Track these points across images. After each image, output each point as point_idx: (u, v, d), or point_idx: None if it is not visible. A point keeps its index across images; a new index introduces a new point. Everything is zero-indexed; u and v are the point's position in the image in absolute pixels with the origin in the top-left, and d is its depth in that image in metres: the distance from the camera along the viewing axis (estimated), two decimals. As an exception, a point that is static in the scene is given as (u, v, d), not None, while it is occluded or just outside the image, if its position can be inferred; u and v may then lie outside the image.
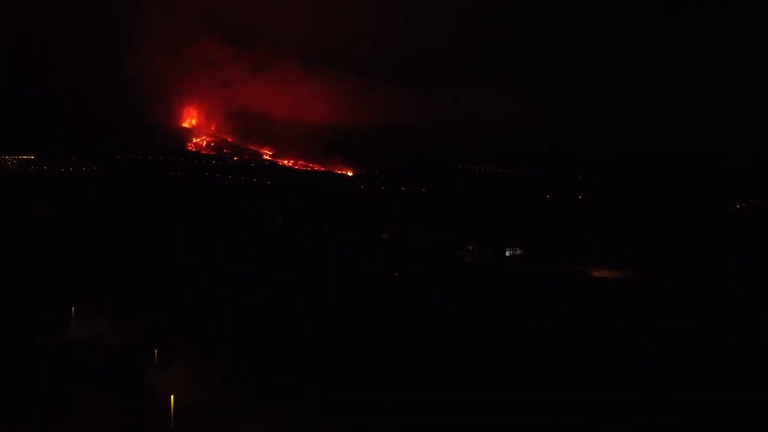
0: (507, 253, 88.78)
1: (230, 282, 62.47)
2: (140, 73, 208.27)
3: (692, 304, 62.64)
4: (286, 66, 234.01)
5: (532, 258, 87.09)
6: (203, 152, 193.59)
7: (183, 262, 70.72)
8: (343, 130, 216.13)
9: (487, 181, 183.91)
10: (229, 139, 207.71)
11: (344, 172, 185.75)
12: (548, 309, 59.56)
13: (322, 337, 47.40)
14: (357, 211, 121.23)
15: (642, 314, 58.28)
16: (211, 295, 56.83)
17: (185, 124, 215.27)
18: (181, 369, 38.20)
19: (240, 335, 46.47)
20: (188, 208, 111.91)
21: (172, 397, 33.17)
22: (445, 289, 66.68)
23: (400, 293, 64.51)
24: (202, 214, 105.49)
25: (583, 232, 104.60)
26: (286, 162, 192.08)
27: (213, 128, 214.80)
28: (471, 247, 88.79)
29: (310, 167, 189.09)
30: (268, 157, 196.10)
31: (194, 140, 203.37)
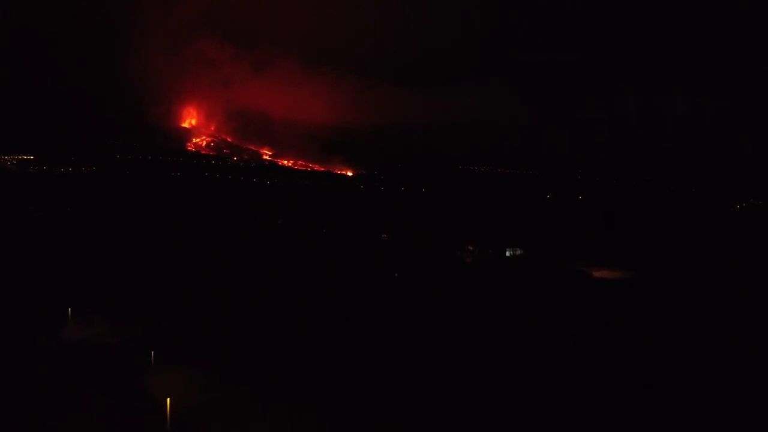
0: (507, 254, 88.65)
1: (230, 282, 62.37)
2: (140, 73, 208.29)
3: (692, 305, 62.56)
4: (286, 66, 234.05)
5: (532, 258, 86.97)
6: (203, 152, 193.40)
7: (183, 262, 70.62)
8: (342, 130, 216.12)
9: (487, 181, 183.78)
10: (229, 139, 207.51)
11: (344, 172, 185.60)
12: (548, 309, 59.45)
13: (321, 338, 47.30)
14: (357, 211, 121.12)
15: (642, 315, 58.18)
16: (210, 296, 56.73)
17: (185, 124, 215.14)
18: (177, 371, 37.98)
19: (239, 336, 46.38)
20: (188, 208, 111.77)
21: (168, 399, 32.88)
22: (445, 289, 66.57)
23: (400, 293, 64.39)
24: (202, 215, 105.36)
25: (583, 232, 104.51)
26: (285, 162, 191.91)
27: (213, 128, 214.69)
28: (471, 248, 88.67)
29: (309, 167, 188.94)
30: (267, 157, 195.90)
31: (194, 140, 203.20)
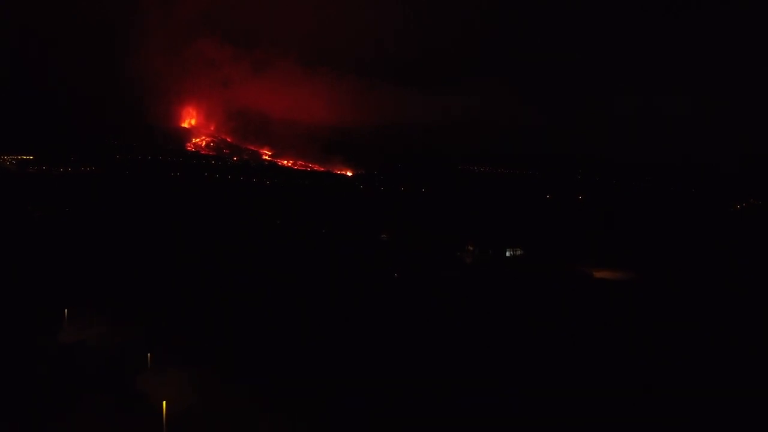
0: (507, 254, 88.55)
1: (229, 282, 62.25)
2: (140, 73, 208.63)
3: (693, 305, 62.46)
4: (285, 66, 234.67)
5: (533, 258, 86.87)
6: (202, 152, 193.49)
7: (182, 262, 70.49)
8: (342, 130, 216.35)
9: (487, 181, 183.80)
10: (229, 139, 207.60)
11: (344, 172, 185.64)
12: (548, 310, 59.33)
13: (321, 338, 47.20)
14: (356, 212, 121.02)
15: (643, 315, 58.07)
16: (209, 296, 56.60)
17: (185, 124, 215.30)
18: (174, 373, 37.67)
19: (238, 337, 46.20)
20: (187, 208, 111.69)
21: (164, 402, 32.59)
22: (445, 289, 66.45)
23: (400, 294, 64.28)
24: (202, 215, 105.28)
25: (583, 233, 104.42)
26: (285, 162, 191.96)
27: (212, 128, 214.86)
28: (471, 248, 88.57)
29: (309, 167, 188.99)
30: (267, 157, 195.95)
31: (193, 140, 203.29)
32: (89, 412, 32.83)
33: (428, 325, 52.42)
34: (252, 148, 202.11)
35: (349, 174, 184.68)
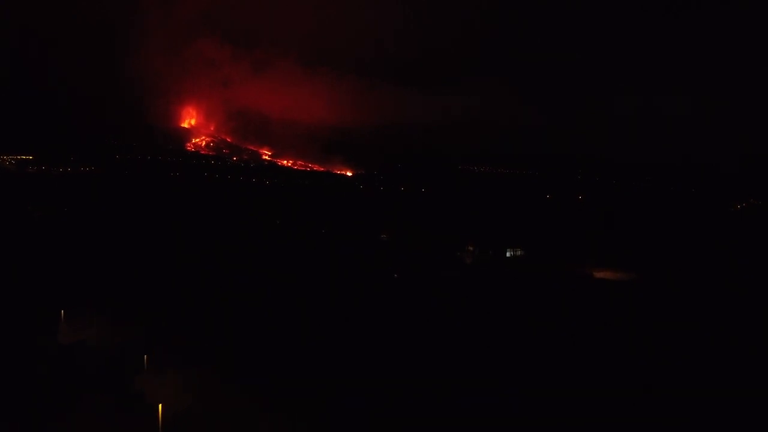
0: (507, 254, 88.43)
1: (229, 283, 62.18)
2: (140, 73, 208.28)
3: (694, 306, 62.39)
4: (285, 66, 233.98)
5: (533, 259, 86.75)
6: (202, 152, 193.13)
7: (181, 262, 70.42)
8: (342, 130, 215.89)
9: (487, 181, 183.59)
10: (229, 140, 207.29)
11: (344, 172, 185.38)
12: (549, 310, 59.25)
13: (321, 338, 47.12)
14: (356, 212, 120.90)
15: (644, 316, 58.00)
16: (208, 297, 56.52)
17: (184, 124, 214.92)
18: (171, 374, 37.33)
19: (236, 338, 46.11)
20: (187, 208, 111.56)
21: (160, 406, 32.29)
22: (445, 290, 66.36)
23: (400, 294, 64.19)
24: (201, 215, 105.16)
25: (583, 233, 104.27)
26: (285, 162, 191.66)
27: (212, 128, 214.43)
28: (471, 248, 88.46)
29: (309, 167, 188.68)
30: (267, 158, 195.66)
31: (193, 140, 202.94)
32: (84, 414, 32.60)
33: (428, 326, 52.35)
34: (252, 148, 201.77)
35: (349, 174, 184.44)
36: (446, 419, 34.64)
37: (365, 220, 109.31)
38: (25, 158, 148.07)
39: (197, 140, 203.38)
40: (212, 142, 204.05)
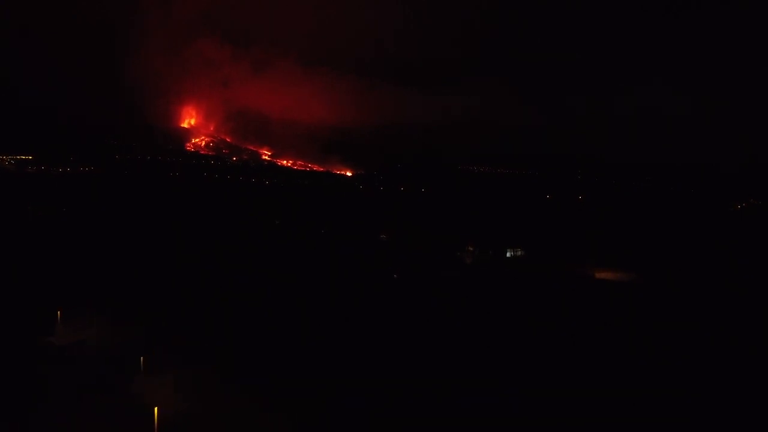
0: (507, 254, 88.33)
1: (228, 283, 62.07)
2: (140, 73, 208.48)
3: (694, 306, 62.29)
4: (285, 66, 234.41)
5: (533, 259, 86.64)
6: (202, 152, 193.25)
7: (181, 262, 70.28)
8: (342, 130, 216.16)
9: (487, 181, 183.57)
10: (228, 140, 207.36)
11: (343, 172, 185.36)
12: (549, 310, 59.14)
13: (321, 338, 47.03)
14: (356, 212, 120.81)
15: (645, 316, 57.90)
16: (208, 297, 56.39)
17: (184, 124, 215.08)
18: (168, 376, 36.80)
19: (235, 338, 45.90)
20: (187, 208, 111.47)
21: (156, 408, 31.91)
22: (445, 290, 66.26)
23: (399, 294, 64.10)
24: (201, 215, 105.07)
25: (583, 233, 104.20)
26: (285, 162, 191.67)
27: (212, 128, 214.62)
28: (471, 248, 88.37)
29: (309, 167, 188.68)
30: (267, 158, 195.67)
31: (193, 140, 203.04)
32: (81, 415, 32.34)
33: (428, 326, 52.26)
34: (251, 148, 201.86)
35: (349, 174, 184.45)
36: (446, 419, 34.53)
37: (365, 220, 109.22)
38: (25, 158, 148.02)
39: (197, 140, 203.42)
40: (212, 142, 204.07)
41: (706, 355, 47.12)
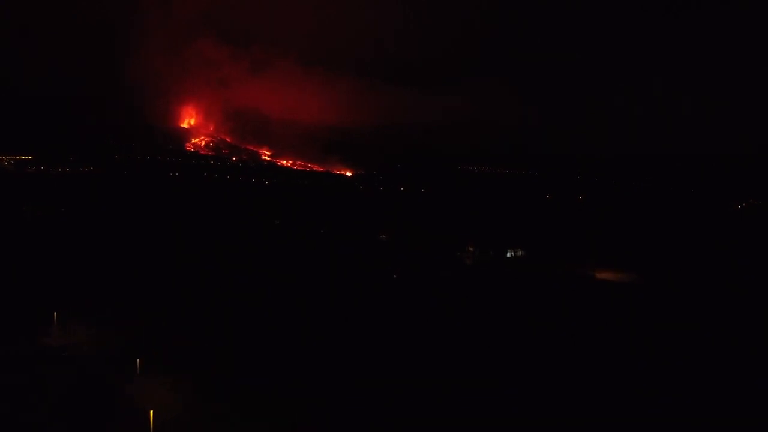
0: (508, 255, 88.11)
1: (228, 283, 61.95)
2: (139, 73, 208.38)
3: (695, 306, 62.14)
4: (285, 66, 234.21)
5: (533, 259, 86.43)
6: (202, 152, 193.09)
7: (181, 263, 70.18)
8: (342, 130, 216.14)
9: (487, 181, 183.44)
10: (228, 140, 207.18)
11: (343, 172, 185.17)
12: (550, 311, 58.98)
13: (320, 338, 46.89)
14: (356, 212, 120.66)
15: (646, 317, 57.75)
16: (207, 297, 56.27)
17: (184, 124, 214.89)
18: (164, 380, 36.49)
19: (234, 339, 45.74)
20: (187, 208, 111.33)
21: (151, 412, 31.59)
22: (445, 290, 66.11)
23: (399, 294, 63.95)
24: (201, 215, 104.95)
25: (584, 233, 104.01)
26: (284, 162, 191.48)
27: (211, 128, 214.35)
28: (471, 248, 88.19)
29: (308, 167, 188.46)
30: (266, 158, 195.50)
31: (193, 140, 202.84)
32: (74, 420, 32.04)
33: (428, 326, 52.12)
34: (251, 148, 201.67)
35: (349, 174, 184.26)
36: (446, 419, 34.39)
37: (364, 220, 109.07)
38: (24, 158, 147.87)
39: (197, 140, 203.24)
40: (212, 142, 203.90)
41: (707, 355, 46.98)
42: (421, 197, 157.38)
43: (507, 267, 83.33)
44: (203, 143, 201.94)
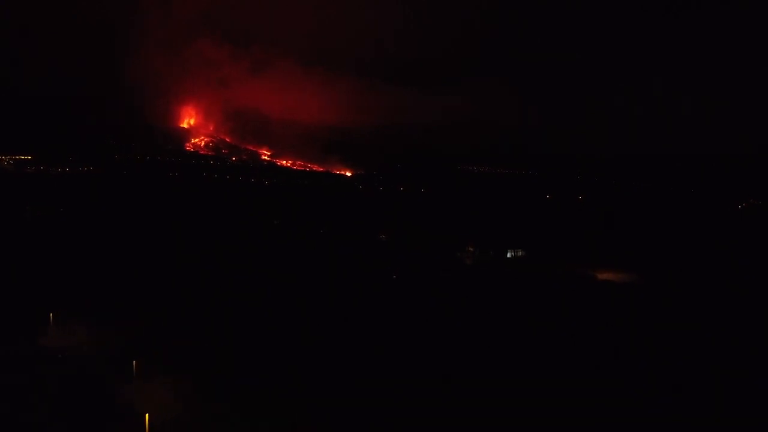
0: (508, 255, 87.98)
1: (227, 283, 61.84)
2: (139, 73, 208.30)
3: (698, 308, 62.05)
4: (285, 66, 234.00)
5: (534, 259, 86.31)
6: (201, 152, 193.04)
7: (180, 263, 70.07)
8: (342, 130, 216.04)
9: (487, 181, 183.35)
10: (228, 140, 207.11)
11: (343, 172, 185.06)
12: (551, 312, 58.89)
13: (320, 339, 46.81)
14: (355, 212, 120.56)
15: (648, 318, 57.66)
16: (207, 298, 56.14)
17: (183, 124, 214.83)
18: (161, 382, 36.16)
19: (232, 341, 45.57)
20: (186, 208, 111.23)
21: (147, 415, 31.36)
22: (445, 290, 66.00)
23: (399, 295, 63.86)
24: (200, 215, 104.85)
25: (584, 234, 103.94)
26: (284, 162, 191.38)
27: (211, 128, 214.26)
28: (471, 249, 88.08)
29: (308, 167, 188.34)
30: (266, 158, 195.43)
31: (192, 140, 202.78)
32: (68, 424, 31.82)
33: (427, 327, 52.03)
34: (251, 148, 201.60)
35: (349, 174, 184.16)
36: (446, 419, 34.33)
37: (364, 220, 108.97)
38: (24, 158, 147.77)
39: (196, 140, 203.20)
40: (211, 142, 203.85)
41: (707, 355, 46.90)
42: (421, 197, 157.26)
43: (507, 267, 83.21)
44: (203, 143, 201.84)
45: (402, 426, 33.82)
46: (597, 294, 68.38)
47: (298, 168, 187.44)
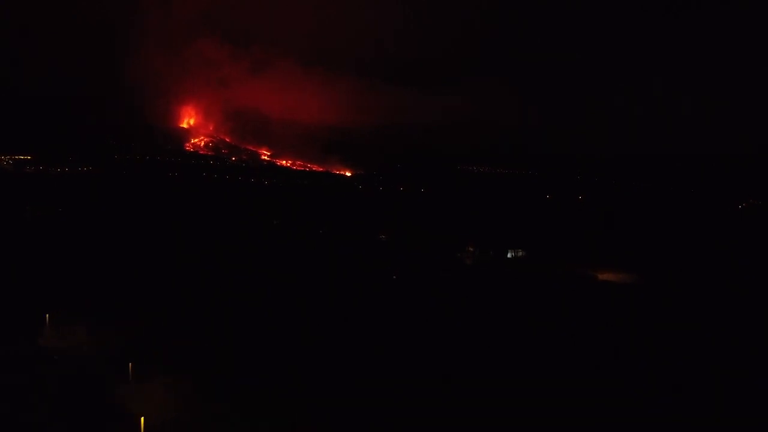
0: (508, 255, 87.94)
1: (227, 284, 61.78)
2: (139, 73, 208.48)
3: (698, 308, 62.03)
4: (284, 66, 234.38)
5: (534, 260, 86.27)
6: (201, 152, 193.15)
7: (180, 263, 70.00)
8: (342, 130, 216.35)
9: (487, 181, 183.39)
10: (227, 140, 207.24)
11: (343, 172, 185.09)
12: (552, 312, 58.86)
13: (319, 339, 46.77)
14: (355, 212, 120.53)
15: (649, 318, 57.63)
16: (206, 298, 56.07)
17: (183, 125, 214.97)
18: (157, 384, 35.93)
19: (231, 342, 45.46)
20: (186, 208, 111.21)
21: (142, 418, 31.21)
22: (445, 291, 65.97)
23: (398, 295, 63.83)
24: (200, 215, 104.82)
25: (584, 234, 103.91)
26: (284, 162, 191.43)
27: (211, 128, 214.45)
28: (471, 249, 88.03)
29: (308, 167, 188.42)
30: (266, 158, 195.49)
31: (192, 140, 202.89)
32: (62, 424, 31.67)
33: (427, 327, 52.00)
34: (251, 148, 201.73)
35: (348, 174, 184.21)
36: (446, 419, 34.31)
37: (364, 220, 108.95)
38: (24, 158, 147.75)
39: (196, 140, 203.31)
40: (211, 142, 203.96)
41: (708, 355, 46.89)
42: (421, 197, 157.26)
43: (507, 267, 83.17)
44: (203, 143, 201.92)
45: (402, 426, 33.80)
46: (597, 294, 68.35)
47: (298, 168, 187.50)
